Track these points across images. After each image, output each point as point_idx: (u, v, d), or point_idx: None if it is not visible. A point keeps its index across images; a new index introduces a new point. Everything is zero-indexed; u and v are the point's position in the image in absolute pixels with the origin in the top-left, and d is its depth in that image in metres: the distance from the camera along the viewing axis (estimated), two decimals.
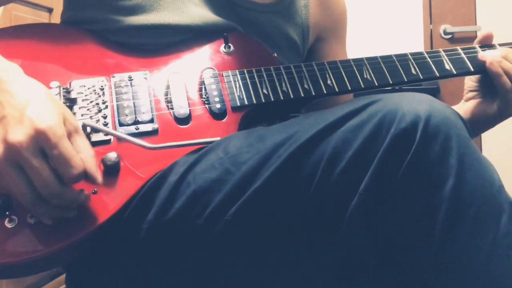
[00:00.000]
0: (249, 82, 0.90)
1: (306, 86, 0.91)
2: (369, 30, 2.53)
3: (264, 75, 0.91)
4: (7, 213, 0.72)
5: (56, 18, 1.94)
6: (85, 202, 0.73)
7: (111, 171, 0.77)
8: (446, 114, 0.68)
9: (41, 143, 0.67)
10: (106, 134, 0.80)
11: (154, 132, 0.83)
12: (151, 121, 0.83)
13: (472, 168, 0.66)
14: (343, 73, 0.94)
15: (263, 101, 0.88)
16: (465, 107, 1.01)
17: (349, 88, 0.93)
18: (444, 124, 0.67)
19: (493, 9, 2.50)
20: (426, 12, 2.57)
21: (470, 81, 1.02)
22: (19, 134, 0.66)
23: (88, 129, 0.79)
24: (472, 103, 1.00)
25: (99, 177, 0.72)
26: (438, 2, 2.57)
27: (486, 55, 0.96)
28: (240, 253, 0.75)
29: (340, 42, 1.19)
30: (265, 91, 0.89)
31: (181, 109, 0.85)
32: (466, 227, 0.64)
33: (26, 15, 1.84)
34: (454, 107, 1.03)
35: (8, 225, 0.72)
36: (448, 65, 0.97)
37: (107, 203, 0.75)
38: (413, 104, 0.68)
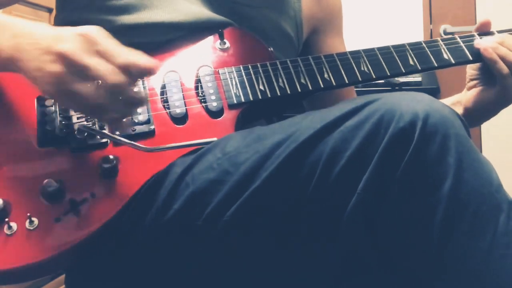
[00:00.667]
0: (245, 79, 0.89)
1: (303, 80, 0.90)
2: (369, 30, 2.52)
3: (260, 71, 0.90)
4: (6, 219, 0.72)
5: None
6: (146, 98, 0.77)
7: (109, 174, 0.77)
8: (444, 113, 0.68)
9: (87, 43, 0.70)
10: (103, 137, 0.80)
11: (151, 133, 0.82)
12: (148, 122, 0.83)
13: (471, 167, 0.66)
14: (340, 66, 0.92)
15: (260, 97, 0.88)
16: (467, 96, 1.00)
17: (347, 81, 0.92)
18: (442, 123, 0.66)
19: (493, 9, 2.50)
20: (426, 12, 2.56)
21: (471, 70, 1.01)
22: (64, 44, 0.70)
23: (85, 133, 0.79)
24: (474, 92, 0.99)
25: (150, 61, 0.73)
26: (438, 2, 2.56)
27: (480, 42, 0.96)
28: (239, 254, 0.75)
29: (337, 34, 1.18)
30: (261, 87, 0.89)
31: (177, 109, 0.85)
32: (464, 227, 0.64)
33: (26, 15, 1.83)
34: (456, 95, 1.02)
35: (7, 231, 0.72)
36: (446, 55, 0.96)
37: (106, 206, 0.75)
38: (411, 103, 0.68)
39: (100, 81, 0.70)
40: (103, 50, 0.70)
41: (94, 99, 0.70)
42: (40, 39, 0.73)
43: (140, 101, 0.74)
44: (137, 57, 0.72)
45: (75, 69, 0.70)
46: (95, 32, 0.72)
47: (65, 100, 0.73)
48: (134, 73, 0.72)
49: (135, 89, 0.74)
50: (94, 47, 0.70)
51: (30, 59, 0.72)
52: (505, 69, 0.93)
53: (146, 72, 0.74)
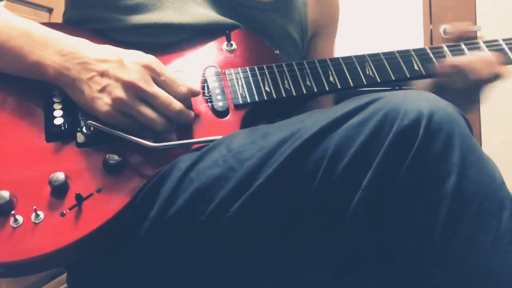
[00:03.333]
0: (251, 80, 0.90)
1: (308, 83, 0.91)
2: (369, 30, 2.53)
3: (266, 72, 0.91)
4: (12, 212, 0.72)
5: (56, 18, 1.94)
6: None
7: (115, 170, 0.78)
8: (448, 111, 0.68)
9: (150, 73, 0.79)
10: (109, 133, 0.80)
11: None
12: None
13: (474, 165, 0.66)
14: (345, 69, 0.94)
15: (266, 98, 0.89)
16: None
17: (351, 85, 0.93)
18: (446, 121, 0.67)
19: (493, 9, 2.50)
20: (426, 12, 2.57)
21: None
22: (130, 74, 0.77)
23: (92, 128, 0.79)
24: None
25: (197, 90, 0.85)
26: (438, 2, 2.57)
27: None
28: (243, 250, 0.75)
29: (331, 38, 1.20)
30: (267, 88, 0.89)
31: None
32: (467, 224, 0.64)
33: (26, 15, 1.83)
34: None
35: (13, 224, 0.72)
36: None
37: (111, 202, 0.76)
38: (415, 101, 0.68)
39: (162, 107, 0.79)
40: (165, 79, 0.80)
41: (157, 120, 0.79)
42: (93, 62, 0.79)
43: (189, 121, 0.83)
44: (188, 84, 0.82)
45: (141, 96, 0.78)
46: (155, 62, 0.80)
47: (120, 120, 0.78)
48: (189, 101, 0.83)
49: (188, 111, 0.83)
50: (156, 77, 0.79)
51: (83, 80, 0.78)
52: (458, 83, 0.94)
53: (196, 95, 0.85)
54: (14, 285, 1.61)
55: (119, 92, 0.77)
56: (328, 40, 1.19)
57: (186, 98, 0.82)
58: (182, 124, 0.82)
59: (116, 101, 0.77)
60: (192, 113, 0.83)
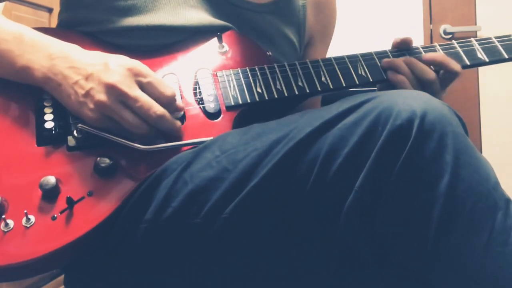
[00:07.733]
0: (243, 81, 0.90)
1: (300, 83, 0.91)
2: (369, 30, 2.52)
3: (258, 73, 0.91)
4: (3, 216, 0.72)
5: (55, 18, 1.94)
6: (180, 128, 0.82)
7: (106, 173, 0.77)
8: (442, 111, 0.68)
9: (134, 76, 0.78)
10: (100, 136, 0.80)
11: None
12: None
13: (468, 165, 0.66)
14: (337, 69, 0.93)
15: (257, 100, 0.88)
16: None
17: (344, 85, 0.93)
18: (439, 121, 0.67)
19: (493, 9, 2.50)
20: (426, 12, 2.57)
21: None
22: (113, 76, 0.77)
23: (82, 132, 0.79)
24: None
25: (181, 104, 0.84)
26: (438, 2, 2.56)
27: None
28: (238, 251, 0.75)
29: (325, 47, 1.20)
30: (259, 89, 0.89)
31: None
32: (461, 224, 0.64)
33: (26, 15, 1.84)
34: None
35: (3, 228, 0.72)
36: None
37: (103, 205, 0.75)
38: (409, 101, 0.68)
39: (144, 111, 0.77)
40: (150, 81, 0.79)
41: (137, 125, 0.77)
42: (80, 66, 0.78)
43: (176, 131, 0.81)
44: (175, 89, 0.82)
45: (122, 99, 0.77)
46: (140, 65, 0.80)
47: (106, 124, 0.78)
48: (174, 106, 0.81)
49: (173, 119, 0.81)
50: (142, 78, 0.79)
51: (69, 84, 0.78)
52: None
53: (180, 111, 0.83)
54: (13, 285, 1.61)
55: (101, 96, 0.76)
56: (322, 50, 1.18)
57: (171, 104, 0.80)
58: (164, 131, 0.80)
59: (98, 105, 0.77)
60: (177, 122, 0.81)
